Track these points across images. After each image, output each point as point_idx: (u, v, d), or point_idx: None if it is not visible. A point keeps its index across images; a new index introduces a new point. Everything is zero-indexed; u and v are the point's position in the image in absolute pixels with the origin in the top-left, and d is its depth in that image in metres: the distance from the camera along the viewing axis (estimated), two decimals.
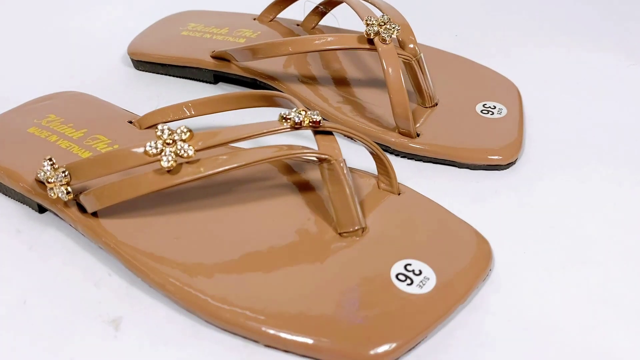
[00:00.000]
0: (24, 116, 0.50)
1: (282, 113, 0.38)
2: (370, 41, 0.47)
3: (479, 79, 0.55)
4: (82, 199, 0.39)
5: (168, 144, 0.36)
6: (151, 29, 0.64)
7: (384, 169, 0.41)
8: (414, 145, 0.47)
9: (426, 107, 0.50)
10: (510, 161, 0.46)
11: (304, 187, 0.42)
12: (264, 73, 0.55)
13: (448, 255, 0.37)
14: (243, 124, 0.39)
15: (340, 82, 0.54)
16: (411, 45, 0.48)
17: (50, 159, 0.38)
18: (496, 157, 0.46)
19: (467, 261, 0.37)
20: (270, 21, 0.63)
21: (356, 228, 0.38)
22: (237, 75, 0.57)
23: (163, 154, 0.36)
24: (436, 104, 0.51)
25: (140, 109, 0.55)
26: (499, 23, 0.71)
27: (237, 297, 0.35)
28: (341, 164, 0.38)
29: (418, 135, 0.47)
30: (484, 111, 0.50)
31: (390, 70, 0.46)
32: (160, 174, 0.36)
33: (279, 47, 0.50)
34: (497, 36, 0.68)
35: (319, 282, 0.36)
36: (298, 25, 0.62)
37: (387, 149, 0.48)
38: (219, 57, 0.57)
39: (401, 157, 0.48)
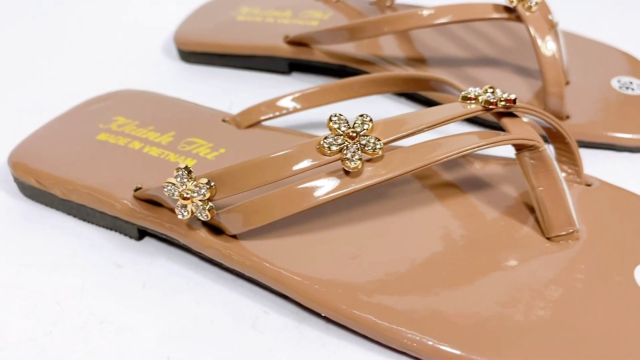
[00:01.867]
0: (82, 122, 0.40)
1: (465, 92, 0.31)
2: (509, 9, 0.40)
3: (597, 54, 0.49)
4: (224, 218, 0.30)
5: (351, 137, 0.28)
6: (196, 16, 0.55)
7: (571, 158, 0.34)
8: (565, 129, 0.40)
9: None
10: None
11: (474, 184, 0.35)
12: (356, 57, 0.47)
13: None
14: (417, 110, 0.31)
15: (453, 61, 0.47)
16: (549, 17, 0.42)
17: (186, 168, 0.29)
18: None
19: None
20: (337, 1, 0.55)
21: (570, 230, 0.31)
22: (320, 63, 0.49)
23: (346, 151, 0.28)
24: (567, 83, 0.44)
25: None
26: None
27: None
28: (548, 152, 0.31)
29: (568, 117, 0.41)
30: (622, 87, 0.44)
31: (542, 41, 0.39)
32: (338, 178, 0.28)
33: (393, 23, 0.42)
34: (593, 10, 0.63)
35: (547, 302, 0.28)
36: (371, 4, 0.54)
37: None
38: (296, 43, 0.49)
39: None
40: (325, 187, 0.28)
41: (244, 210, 0.29)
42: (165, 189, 0.29)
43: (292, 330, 0.29)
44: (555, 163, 0.31)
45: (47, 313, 0.31)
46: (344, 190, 0.28)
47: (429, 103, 0.45)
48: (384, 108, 0.46)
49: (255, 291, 0.31)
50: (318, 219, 0.32)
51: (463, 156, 0.33)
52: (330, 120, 0.28)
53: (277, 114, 0.40)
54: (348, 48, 0.48)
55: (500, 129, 0.31)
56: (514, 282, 0.29)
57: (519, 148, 0.31)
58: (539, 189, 0.31)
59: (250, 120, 0.39)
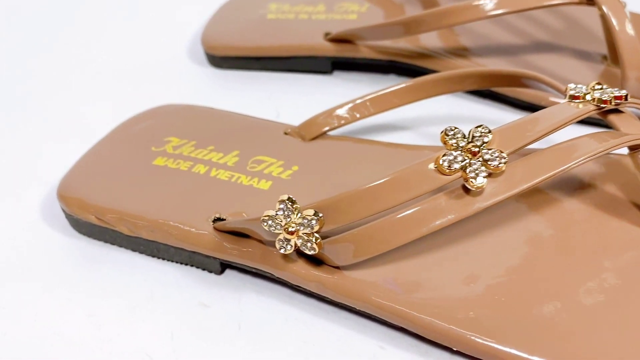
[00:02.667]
0: (131, 145, 0.37)
1: (572, 91, 0.29)
2: None
3: None
4: (329, 249, 0.27)
5: (473, 153, 0.25)
6: (221, 16, 0.51)
7: None
8: None
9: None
10: None
11: (572, 186, 0.32)
12: (407, 51, 0.44)
13: None
14: (528, 115, 0.29)
15: (508, 48, 0.44)
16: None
17: (289, 200, 0.26)
18: None
19: None
20: None
21: None
22: (367, 60, 0.46)
23: (469, 168, 0.25)
24: None
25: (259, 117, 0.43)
26: None
27: None
28: None
29: None
30: None
31: (619, 22, 0.37)
32: (458, 197, 0.26)
33: (449, 17, 0.39)
34: None
35: None
36: None
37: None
38: (339, 40, 0.46)
39: None
40: (447, 208, 0.25)
41: (355, 239, 0.26)
42: (265, 224, 0.26)
43: None
44: None
45: None
46: (469, 211, 0.25)
47: (503, 100, 0.42)
48: (455, 109, 0.43)
49: (364, 324, 0.28)
50: (417, 241, 0.30)
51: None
52: (446, 134, 0.26)
53: (343, 122, 0.37)
54: (396, 42, 0.45)
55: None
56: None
57: (634, 147, 0.29)
58: None
59: (314, 132, 0.36)
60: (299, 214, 0.26)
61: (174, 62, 0.51)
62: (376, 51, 0.45)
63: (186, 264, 0.32)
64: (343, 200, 0.26)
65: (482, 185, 0.25)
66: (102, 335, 0.29)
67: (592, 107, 0.28)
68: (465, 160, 0.25)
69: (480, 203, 0.25)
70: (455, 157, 0.25)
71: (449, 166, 0.25)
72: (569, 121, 0.27)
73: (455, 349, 0.26)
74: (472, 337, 0.25)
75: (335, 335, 0.28)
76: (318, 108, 0.44)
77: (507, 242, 0.29)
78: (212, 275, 0.32)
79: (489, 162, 0.25)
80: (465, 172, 0.25)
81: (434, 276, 0.28)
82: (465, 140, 0.25)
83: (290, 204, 0.26)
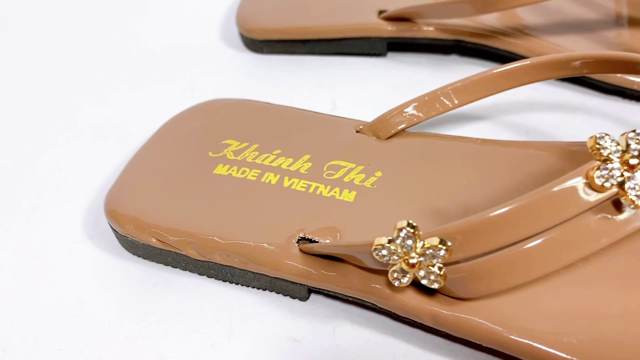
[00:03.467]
0: (184, 150, 0.32)
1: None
2: None
3: None
4: (454, 281, 0.23)
5: (631, 166, 0.21)
6: None
7: None
8: None
9: None
10: None
11: None
12: (476, 30, 0.40)
13: None
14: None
15: (588, 27, 0.40)
16: None
17: (410, 226, 0.22)
18: None
19: None
20: None
21: None
22: (429, 40, 0.41)
23: (629, 183, 0.21)
24: None
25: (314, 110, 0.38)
26: None
27: None
28: None
29: None
30: None
31: None
32: (610, 218, 0.22)
33: None
34: None
35: None
36: None
37: None
38: (395, 18, 0.41)
39: None
40: (597, 230, 0.22)
41: (491, 269, 0.22)
42: (377, 253, 0.22)
43: None
44: None
45: None
46: (623, 232, 0.22)
47: (586, 83, 0.38)
48: (533, 94, 0.38)
49: (481, 358, 0.25)
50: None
51: None
52: (597, 144, 0.21)
53: (423, 117, 0.32)
54: (462, 19, 0.40)
55: None
56: None
57: None
58: None
59: (391, 128, 0.32)
60: (422, 243, 0.22)
61: (212, 48, 0.46)
62: (440, 30, 0.40)
63: (265, 289, 0.28)
64: (477, 226, 0.22)
65: None
66: None
67: None
68: (622, 174, 0.21)
69: (635, 223, 0.22)
70: (612, 171, 0.21)
71: (605, 182, 0.21)
72: None
73: None
74: None
75: None
76: (378, 96, 0.40)
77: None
78: (297, 302, 0.28)
79: None
80: (624, 188, 0.21)
81: (558, 309, 0.24)
82: (620, 149, 0.21)
83: (411, 231, 0.22)
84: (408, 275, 0.23)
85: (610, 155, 0.21)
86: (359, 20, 0.42)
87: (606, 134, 0.22)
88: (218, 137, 0.33)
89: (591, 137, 0.22)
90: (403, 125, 0.32)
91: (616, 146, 0.21)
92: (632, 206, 0.21)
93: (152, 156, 0.33)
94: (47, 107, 0.41)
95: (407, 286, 0.25)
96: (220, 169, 0.31)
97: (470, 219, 0.22)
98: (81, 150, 0.38)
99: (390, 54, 0.43)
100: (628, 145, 0.21)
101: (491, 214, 0.21)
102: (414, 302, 0.24)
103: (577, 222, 0.22)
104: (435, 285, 0.23)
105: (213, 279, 0.29)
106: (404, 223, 0.22)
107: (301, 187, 0.30)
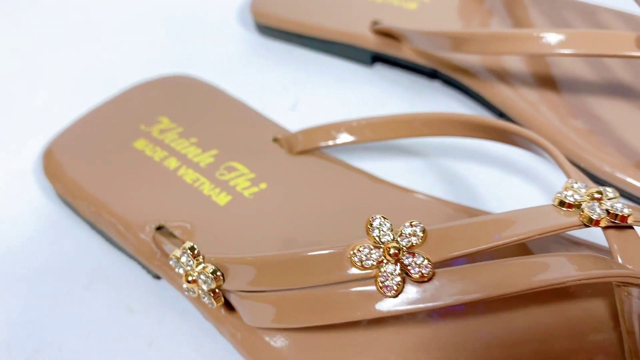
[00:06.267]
0: (128, 115, 0.36)
1: (563, 196, 0.23)
2: None
3: None
4: (238, 303, 0.25)
5: (392, 255, 0.22)
6: None
7: None
8: None
9: None
10: None
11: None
12: (453, 64, 0.39)
13: None
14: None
15: (568, 87, 0.37)
16: None
17: (191, 249, 0.24)
18: None
19: None
20: None
21: None
22: (408, 62, 0.41)
23: (384, 269, 0.21)
24: None
25: (273, 105, 0.40)
26: None
27: None
28: None
29: None
30: None
31: None
32: (372, 297, 0.22)
33: (502, 44, 0.33)
34: None
35: None
36: None
37: None
38: (384, 33, 0.41)
39: None
40: (356, 304, 0.22)
41: (277, 302, 0.24)
42: (171, 262, 0.25)
43: None
44: None
45: (48, 357, 0.28)
46: (376, 313, 0.22)
47: None
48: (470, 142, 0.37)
49: None
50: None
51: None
52: (370, 225, 0.22)
53: (331, 143, 0.33)
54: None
55: None
56: None
57: (625, 284, 0.23)
58: (638, 335, 0.23)
59: (301, 146, 0.33)
60: (200, 266, 0.24)
61: (225, 24, 0.48)
62: (419, 55, 0.40)
63: (131, 258, 0.32)
64: (242, 264, 0.23)
65: (394, 295, 0.21)
66: (23, 318, 0.30)
67: (577, 224, 0.23)
68: (381, 259, 0.21)
69: (394, 307, 0.22)
70: (370, 253, 0.22)
71: (361, 263, 0.22)
72: (540, 234, 0.22)
73: None
74: None
75: None
76: (340, 107, 0.41)
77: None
78: (151, 279, 0.31)
79: (409, 269, 0.21)
80: (380, 271, 0.21)
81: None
82: (390, 236, 0.22)
83: (190, 253, 0.24)
84: (194, 290, 0.25)
85: (377, 239, 0.22)
86: (348, 27, 0.42)
87: (384, 218, 0.22)
88: (157, 112, 0.36)
89: (368, 221, 0.22)
90: (319, 145, 0.33)
91: (388, 233, 0.22)
92: (379, 292, 0.21)
93: (101, 115, 0.37)
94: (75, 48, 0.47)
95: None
96: (140, 144, 0.34)
97: (240, 258, 0.23)
98: (73, 98, 0.43)
99: (377, 66, 0.43)
100: (402, 234, 0.22)
101: (253, 259, 0.23)
102: (221, 317, 0.27)
103: (340, 289, 0.22)
104: (213, 305, 0.25)
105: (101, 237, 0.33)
106: (188, 245, 0.24)
107: (190, 179, 0.32)
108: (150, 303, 0.30)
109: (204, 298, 0.25)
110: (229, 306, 0.26)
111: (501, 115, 0.37)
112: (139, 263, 0.31)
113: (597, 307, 0.26)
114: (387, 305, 0.22)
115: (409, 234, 0.22)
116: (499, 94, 0.37)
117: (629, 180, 0.32)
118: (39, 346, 0.29)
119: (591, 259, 0.23)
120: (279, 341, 0.25)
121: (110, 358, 0.28)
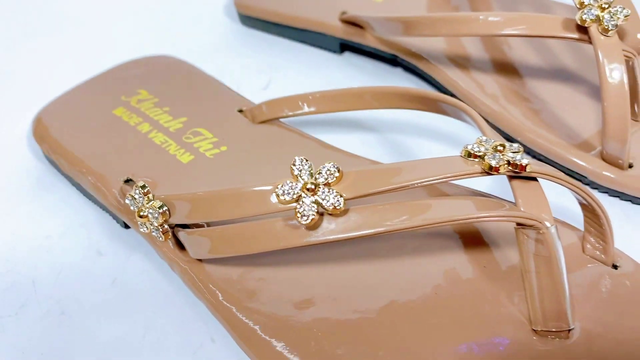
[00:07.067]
0: (111, 88, 0.40)
1: (470, 147, 0.26)
2: (583, 29, 0.33)
3: None
4: (184, 238, 0.29)
5: (309, 189, 0.25)
6: None
7: (599, 231, 0.29)
8: (625, 181, 0.34)
9: (637, 121, 0.36)
10: None
11: (466, 242, 0.30)
12: (408, 49, 0.42)
13: None
14: (407, 159, 0.27)
15: (514, 71, 0.40)
16: (639, 36, 0.34)
17: (143, 187, 0.28)
18: None
19: None
20: None
21: (561, 329, 0.26)
22: (371, 49, 0.44)
23: (302, 202, 0.25)
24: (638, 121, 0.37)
25: (248, 85, 0.44)
26: None
27: None
28: (555, 236, 0.26)
29: (631, 166, 0.34)
30: None
31: (611, 72, 0.32)
32: (294, 228, 0.26)
33: (448, 26, 0.36)
34: None
35: None
36: None
37: (579, 179, 0.35)
38: (351, 22, 0.44)
39: (600, 192, 0.35)
40: (283, 235, 0.25)
41: (210, 237, 0.27)
42: (127, 200, 0.29)
43: None
44: (560, 249, 0.26)
45: (21, 291, 0.32)
46: (299, 243, 0.25)
47: None
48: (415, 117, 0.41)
49: (210, 316, 0.30)
50: (288, 254, 0.30)
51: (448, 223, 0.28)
52: (294, 164, 0.25)
53: (290, 113, 0.36)
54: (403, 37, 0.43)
55: None
56: None
57: (522, 225, 0.26)
58: (535, 275, 0.26)
59: (263, 116, 0.37)
60: (150, 203, 0.27)
61: (211, 15, 0.52)
62: (380, 42, 0.43)
63: (104, 210, 0.35)
64: (186, 200, 0.27)
65: (310, 224, 0.25)
66: (6, 256, 0.34)
67: (479, 171, 0.26)
68: (300, 194, 0.25)
69: (311, 237, 0.25)
70: (292, 189, 0.25)
71: (283, 196, 0.25)
72: (444, 178, 0.26)
73: None
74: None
75: (181, 318, 0.30)
76: (306, 90, 0.44)
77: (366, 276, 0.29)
78: (119, 228, 0.35)
79: (323, 203, 0.25)
80: (298, 205, 0.25)
81: (275, 293, 0.28)
82: (310, 174, 0.25)
83: (143, 190, 0.28)
84: (145, 226, 0.28)
85: (299, 177, 0.25)
86: (319, 16, 0.46)
87: (304, 159, 0.25)
88: (138, 85, 0.40)
89: (292, 162, 0.25)
90: (277, 115, 0.37)
91: (307, 172, 0.25)
92: (299, 222, 0.25)
93: (87, 89, 0.41)
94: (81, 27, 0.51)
95: (172, 238, 0.30)
96: (119, 111, 0.38)
97: (183, 195, 0.27)
98: (61, 72, 0.47)
99: (346, 54, 0.47)
100: (319, 173, 0.25)
101: (194, 195, 0.26)
102: (173, 254, 0.30)
103: (266, 221, 0.26)
104: (160, 239, 0.28)
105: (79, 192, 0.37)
106: (141, 183, 0.28)
107: (159, 141, 0.36)
108: (117, 247, 0.34)
109: (154, 232, 0.28)
110: (181, 247, 0.30)
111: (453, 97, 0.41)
112: (110, 213, 0.35)
113: (505, 255, 0.29)
114: (308, 236, 0.25)
115: (326, 172, 0.25)
116: (449, 77, 0.40)
117: (563, 153, 0.35)
118: (15, 279, 0.32)
119: (495, 203, 0.26)
120: (217, 271, 0.29)
121: (77, 291, 0.32)
